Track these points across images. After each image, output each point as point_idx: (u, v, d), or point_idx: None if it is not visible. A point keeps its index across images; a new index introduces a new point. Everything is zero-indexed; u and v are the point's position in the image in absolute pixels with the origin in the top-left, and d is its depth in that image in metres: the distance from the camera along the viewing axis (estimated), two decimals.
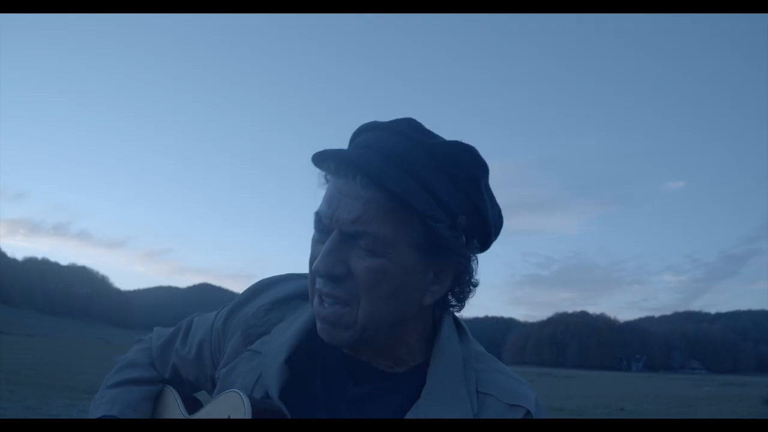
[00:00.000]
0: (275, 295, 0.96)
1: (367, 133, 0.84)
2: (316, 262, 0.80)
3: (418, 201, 0.76)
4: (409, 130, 0.82)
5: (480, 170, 0.83)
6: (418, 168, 0.79)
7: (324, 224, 0.81)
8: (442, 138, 0.83)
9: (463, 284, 0.85)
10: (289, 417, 0.81)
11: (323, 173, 0.83)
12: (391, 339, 0.85)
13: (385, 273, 0.79)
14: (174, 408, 1.01)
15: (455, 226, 0.80)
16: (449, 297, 0.87)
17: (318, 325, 0.83)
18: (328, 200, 0.81)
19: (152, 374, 1.06)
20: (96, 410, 0.99)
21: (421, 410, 0.81)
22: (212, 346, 0.99)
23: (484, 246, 0.86)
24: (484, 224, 0.84)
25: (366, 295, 0.79)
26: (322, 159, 0.80)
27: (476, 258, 0.85)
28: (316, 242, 0.83)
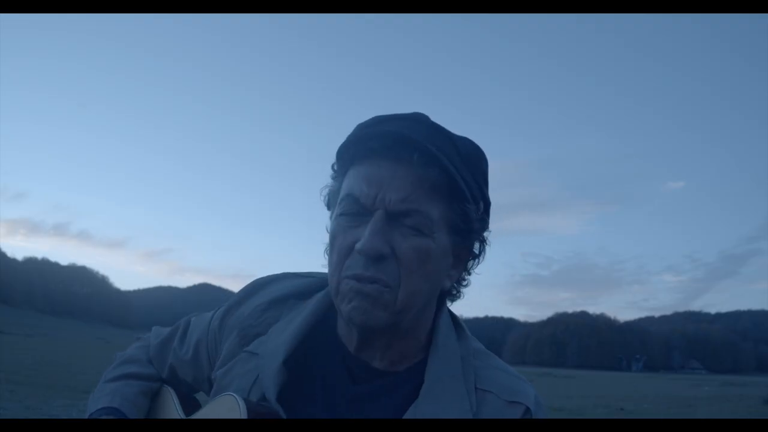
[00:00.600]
0: (271, 295, 0.95)
1: (387, 123, 0.83)
2: (361, 242, 0.77)
3: (463, 182, 0.80)
4: (429, 121, 0.84)
5: (487, 167, 0.88)
6: (449, 154, 0.81)
7: (363, 205, 0.80)
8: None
9: (470, 270, 0.89)
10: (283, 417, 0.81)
11: (336, 163, 0.85)
12: (410, 329, 0.85)
13: (428, 253, 0.80)
14: (171, 408, 1.00)
15: (479, 211, 0.85)
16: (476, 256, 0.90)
17: (352, 305, 0.79)
18: (367, 181, 0.79)
19: (150, 371, 1.06)
20: (95, 403, 0.99)
21: (420, 409, 0.80)
22: (209, 347, 0.99)
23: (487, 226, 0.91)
24: (488, 216, 0.88)
25: (409, 276, 0.79)
26: (365, 138, 0.81)
27: (486, 243, 0.89)
28: (347, 228, 0.81)
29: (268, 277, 1.00)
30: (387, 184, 0.78)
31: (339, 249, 0.81)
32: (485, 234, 0.88)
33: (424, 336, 0.87)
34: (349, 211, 0.81)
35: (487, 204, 0.88)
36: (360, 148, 0.82)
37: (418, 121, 0.83)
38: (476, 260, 0.89)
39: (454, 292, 0.90)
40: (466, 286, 0.90)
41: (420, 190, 0.79)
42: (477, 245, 0.87)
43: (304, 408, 0.84)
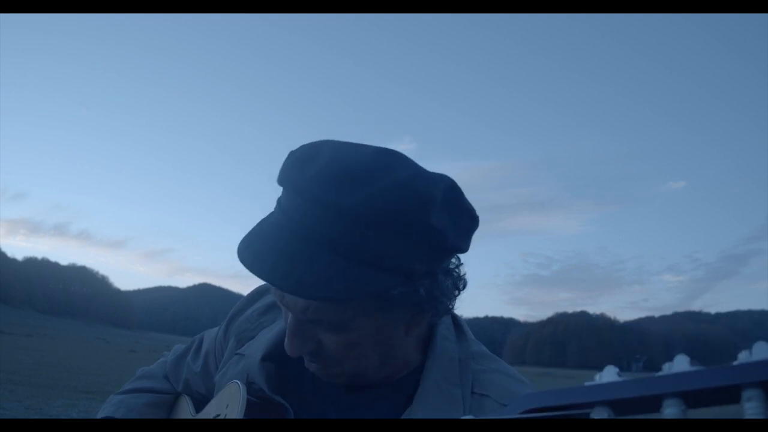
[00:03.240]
0: (270, 299, 0.97)
1: (290, 193, 0.73)
2: (285, 343, 0.78)
3: (358, 291, 0.69)
4: (333, 196, 0.69)
5: (424, 207, 0.70)
6: (351, 243, 0.69)
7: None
8: (378, 182, 0.70)
9: (446, 300, 0.79)
10: (286, 405, 0.82)
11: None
12: (384, 368, 0.82)
13: (355, 343, 0.76)
14: (186, 413, 1.04)
15: (412, 279, 0.72)
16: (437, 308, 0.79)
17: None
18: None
19: (164, 386, 1.10)
20: (101, 412, 1.05)
21: (413, 415, 0.79)
22: (216, 357, 1.03)
23: (463, 251, 0.78)
24: (446, 251, 0.75)
25: (346, 358, 0.78)
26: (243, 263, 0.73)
27: (458, 258, 0.79)
28: (284, 312, 0.81)
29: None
30: (285, 296, 0.75)
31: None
32: (434, 287, 0.75)
33: (410, 355, 0.84)
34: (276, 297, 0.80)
35: (438, 247, 0.73)
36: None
37: (315, 200, 0.70)
38: (443, 301, 0.78)
39: (445, 310, 0.81)
40: (453, 302, 0.81)
41: (314, 305, 0.73)
42: (431, 301, 0.76)
43: (297, 408, 0.84)
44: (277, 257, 0.70)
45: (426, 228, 0.71)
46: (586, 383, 0.42)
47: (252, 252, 0.72)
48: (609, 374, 0.42)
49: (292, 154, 0.76)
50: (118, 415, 1.02)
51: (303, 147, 0.76)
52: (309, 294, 0.69)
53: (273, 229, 0.73)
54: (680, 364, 0.39)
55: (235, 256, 0.72)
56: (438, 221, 0.71)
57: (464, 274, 0.80)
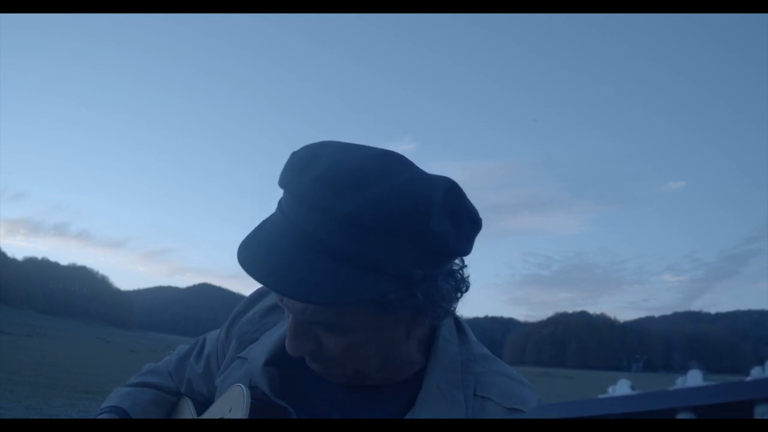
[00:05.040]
0: (271, 301, 0.97)
1: (290, 196, 0.74)
2: (286, 343, 0.79)
3: (354, 296, 0.70)
4: (331, 201, 0.69)
5: (423, 211, 0.70)
6: (349, 248, 0.69)
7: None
8: (376, 186, 0.69)
9: (446, 304, 0.77)
10: (289, 409, 0.82)
11: None
12: (386, 369, 0.82)
13: (355, 345, 0.76)
14: (187, 416, 1.04)
15: (410, 284, 0.72)
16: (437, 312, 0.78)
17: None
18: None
19: (169, 384, 1.11)
20: (109, 401, 1.06)
21: (415, 417, 0.79)
22: (218, 359, 1.03)
23: (464, 254, 0.77)
24: (447, 255, 0.74)
25: (346, 360, 0.78)
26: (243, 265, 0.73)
27: (462, 261, 0.79)
28: (286, 313, 0.81)
29: None
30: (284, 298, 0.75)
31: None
32: (433, 291, 0.74)
33: (412, 357, 0.84)
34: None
35: (440, 251, 0.73)
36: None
37: (315, 207, 0.70)
38: (444, 304, 0.77)
39: (446, 314, 0.81)
40: (454, 306, 0.80)
41: (311, 307, 0.73)
42: (429, 305, 0.75)
43: (299, 411, 0.84)
44: (275, 261, 0.70)
45: (425, 232, 0.70)
46: (600, 396, 0.41)
47: (250, 255, 0.72)
48: (622, 388, 0.42)
49: (294, 155, 0.76)
50: (125, 406, 1.02)
51: (304, 149, 0.76)
52: (306, 298, 0.70)
53: (273, 232, 0.73)
54: (693, 378, 0.40)
55: (236, 256, 0.73)
56: (438, 225, 0.71)
57: (467, 277, 0.79)
